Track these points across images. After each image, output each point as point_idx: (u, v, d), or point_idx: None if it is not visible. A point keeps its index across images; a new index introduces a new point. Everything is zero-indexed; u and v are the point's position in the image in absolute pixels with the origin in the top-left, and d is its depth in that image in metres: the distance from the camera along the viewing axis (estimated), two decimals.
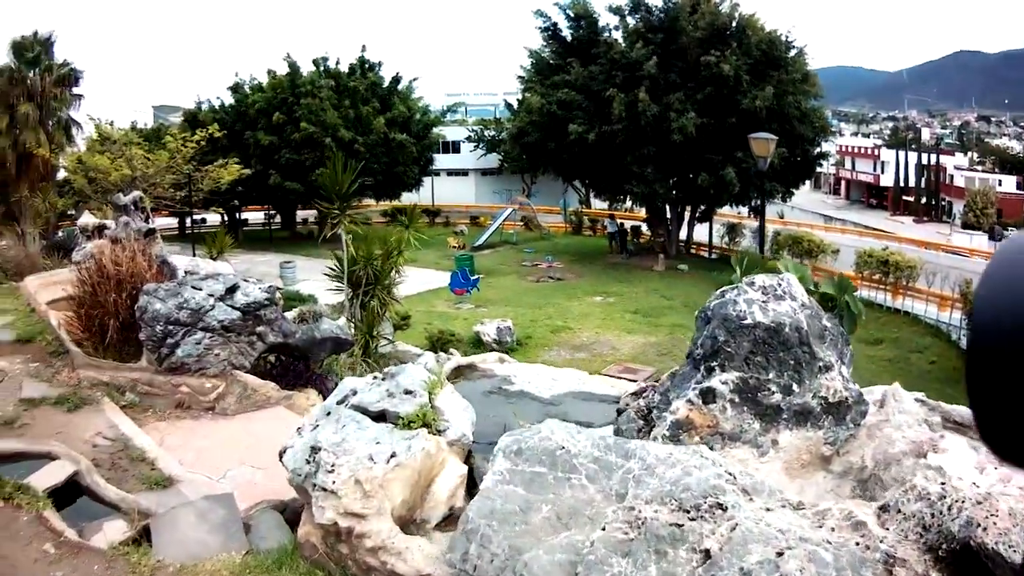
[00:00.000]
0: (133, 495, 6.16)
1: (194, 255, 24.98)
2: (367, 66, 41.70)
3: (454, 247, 35.75)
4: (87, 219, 17.20)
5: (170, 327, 8.50)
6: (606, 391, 8.13)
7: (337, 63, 41.40)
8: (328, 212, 13.23)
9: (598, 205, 46.08)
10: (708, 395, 5.04)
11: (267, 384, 8.67)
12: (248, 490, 6.59)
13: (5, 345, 9.97)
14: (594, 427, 5.95)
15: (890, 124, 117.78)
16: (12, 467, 6.16)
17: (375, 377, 5.75)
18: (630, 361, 17.40)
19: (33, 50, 31.43)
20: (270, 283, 29.29)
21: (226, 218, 42.68)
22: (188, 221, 35.53)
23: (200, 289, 8.87)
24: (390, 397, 5.37)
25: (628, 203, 41.89)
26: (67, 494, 6.00)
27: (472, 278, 25.17)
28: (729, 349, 5.16)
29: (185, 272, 10.84)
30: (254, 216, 46.22)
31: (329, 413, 5.43)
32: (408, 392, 5.40)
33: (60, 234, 21.16)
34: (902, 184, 66.07)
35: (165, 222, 36.31)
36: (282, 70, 40.46)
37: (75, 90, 33.03)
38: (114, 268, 9.26)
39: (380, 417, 5.26)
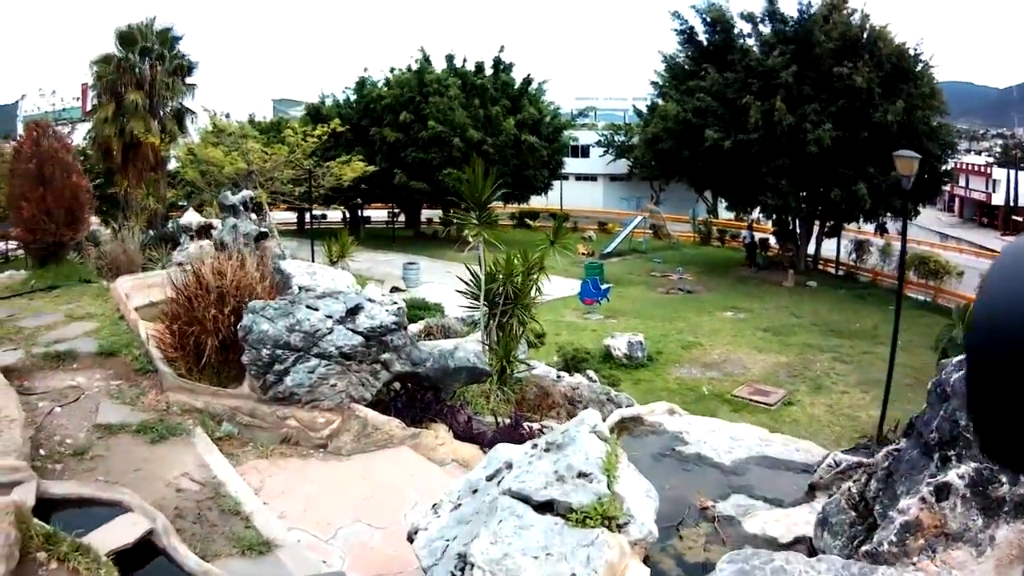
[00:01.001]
0: (220, 565, 5.63)
1: (312, 256, 25.98)
2: (500, 67, 45.49)
3: (583, 254, 37.87)
4: (191, 217, 17.56)
5: (279, 351, 8.15)
6: (790, 456, 7.79)
7: (464, 62, 45.24)
8: (465, 222, 12.93)
9: (724, 216, 49.36)
10: (943, 491, 4.82)
11: (390, 422, 8.31)
12: (363, 557, 6.19)
13: (85, 357, 9.72)
14: (785, 505, 5.90)
15: (999, 141, 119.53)
16: (74, 515, 5.64)
17: (535, 446, 5.15)
18: (760, 382, 19.22)
19: (145, 39, 34.56)
20: (392, 284, 30.16)
21: (348, 215, 47.19)
22: (307, 217, 38.96)
23: (316, 309, 8.53)
24: (559, 482, 4.59)
25: (755, 214, 44.61)
26: (138, 556, 5.53)
27: (602, 287, 26.99)
28: (968, 435, 4.86)
29: (299, 288, 10.61)
30: (377, 214, 50.59)
31: (476, 491, 4.88)
32: (582, 475, 4.68)
33: (169, 226, 22.23)
34: (1012, 203, 69.89)
35: (283, 216, 39.63)
36: (415, 64, 44.49)
37: (188, 80, 36.34)
38: (216, 279, 9.00)
39: (545, 506, 4.58)
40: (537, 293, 13.05)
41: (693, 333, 24.24)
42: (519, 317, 12.41)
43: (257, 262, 10.04)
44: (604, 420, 6.55)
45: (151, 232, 25.96)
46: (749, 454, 7.50)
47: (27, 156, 15.34)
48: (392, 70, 45.87)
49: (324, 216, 45.02)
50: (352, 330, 8.50)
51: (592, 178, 58.98)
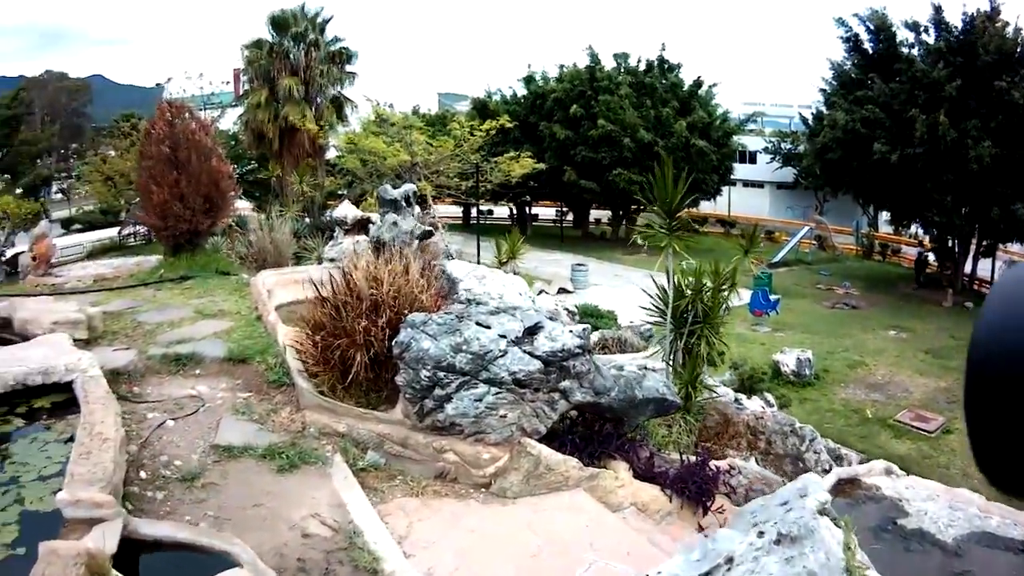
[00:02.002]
0: None
1: (478, 254, 26.36)
2: (666, 66, 48.36)
3: (752, 262, 37.65)
4: (347, 210, 17.29)
5: (441, 374, 7.54)
6: (1009, 532, 7.47)
7: (639, 61, 48.28)
8: (650, 232, 12.66)
9: (883, 229, 52.20)
10: None
11: (567, 462, 7.72)
12: None
13: (211, 362, 9.32)
14: None
15: None
16: (167, 564, 5.08)
17: (760, 534, 4.72)
18: (921, 407, 20.53)
19: (298, 24, 36.97)
20: (559, 285, 30.88)
21: (515, 212, 50.48)
22: (474, 212, 42.15)
23: (488, 327, 7.91)
24: None
25: (912, 230, 46.71)
26: None
27: (772, 299, 29.11)
28: None
29: (466, 294, 10.00)
30: (544, 212, 54.13)
31: None
32: None
33: (327, 215, 22.96)
34: None
35: (448, 210, 42.15)
36: (580, 62, 47.97)
37: (348, 68, 38.79)
38: (370, 286, 8.48)
39: None
40: (726, 312, 12.86)
41: (858, 351, 25.48)
42: (707, 338, 12.03)
43: (421, 267, 9.37)
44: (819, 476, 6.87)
45: (306, 220, 26.82)
46: (970, 529, 7.33)
47: (159, 138, 15.46)
48: (561, 67, 49.25)
49: (491, 212, 48.57)
50: (529, 353, 7.83)
51: (759, 185, 61.77)
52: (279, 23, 37.98)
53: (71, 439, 6.31)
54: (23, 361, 7.67)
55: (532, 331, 8.02)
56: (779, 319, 29.11)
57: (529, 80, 50.41)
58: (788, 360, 22.08)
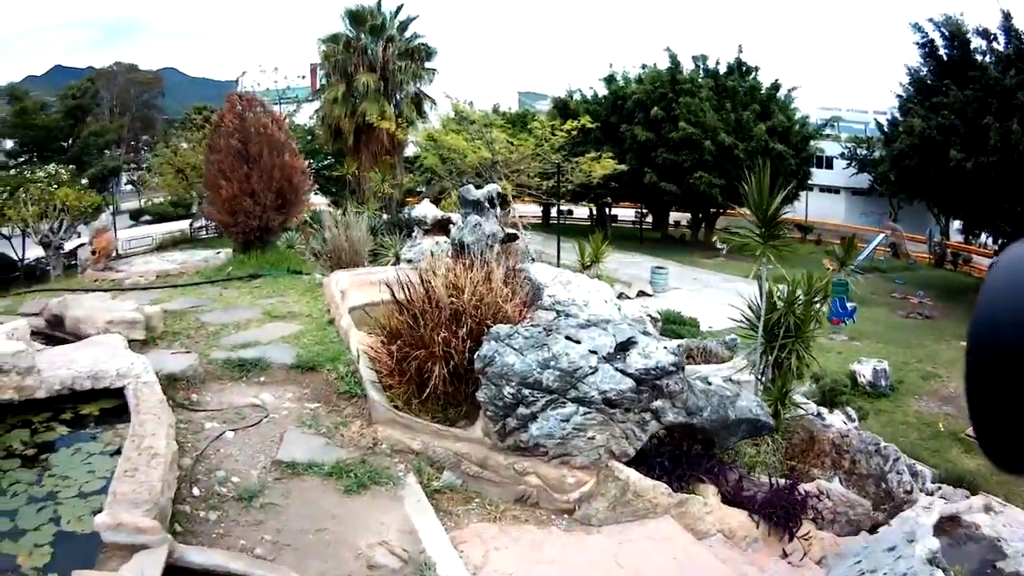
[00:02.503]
0: None
1: (558, 255, 26.60)
2: (744, 69, 49.57)
3: (829, 269, 38.72)
4: (426, 209, 16.90)
5: (526, 391, 7.08)
6: None
7: (717, 63, 49.55)
8: (747, 241, 12.22)
9: (955, 238, 52.87)
10: None
11: (656, 487, 7.34)
12: None
13: (277, 369, 8.85)
14: None
15: None
16: None
17: None
18: None
19: (375, 19, 37.79)
20: (639, 288, 31.52)
21: (595, 213, 52.33)
22: (554, 212, 43.71)
23: (579, 342, 7.47)
24: None
25: (982, 239, 48.04)
26: None
27: (849, 307, 28.74)
28: None
29: (557, 311, 9.47)
30: (623, 213, 55.63)
31: None
32: None
33: (405, 212, 23.23)
34: None
35: (527, 209, 43.24)
36: (659, 62, 49.91)
37: (428, 65, 40.01)
38: (450, 293, 7.98)
39: None
40: (817, 325, 12.68)
41: (931, 362, 25.78)
42: (798, 352, 11.83)
43: (505, 274, 8.82)
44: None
45: (384, 217, 26.89)
46: None
47: (229, 130, 15.25)
48: (642, 66, 51.13)
49: (570, 212, 49.92)
50: (621, 371, 7.40)
51: (835, 191, 63.01)
52: (356, 17, 38.67)
53: (118, 452, 5.87)
54: (72, 363, 7.29)
55: (624, 347, 7.56)
56: (855, 328, 29.31)
57: (610, 80, 51.83)
58: (865, 371, 22.55)
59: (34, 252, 33.85)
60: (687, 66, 49.46)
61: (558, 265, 21.78)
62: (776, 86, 49.60)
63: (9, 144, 55.28)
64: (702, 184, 44.06)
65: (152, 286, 14.27)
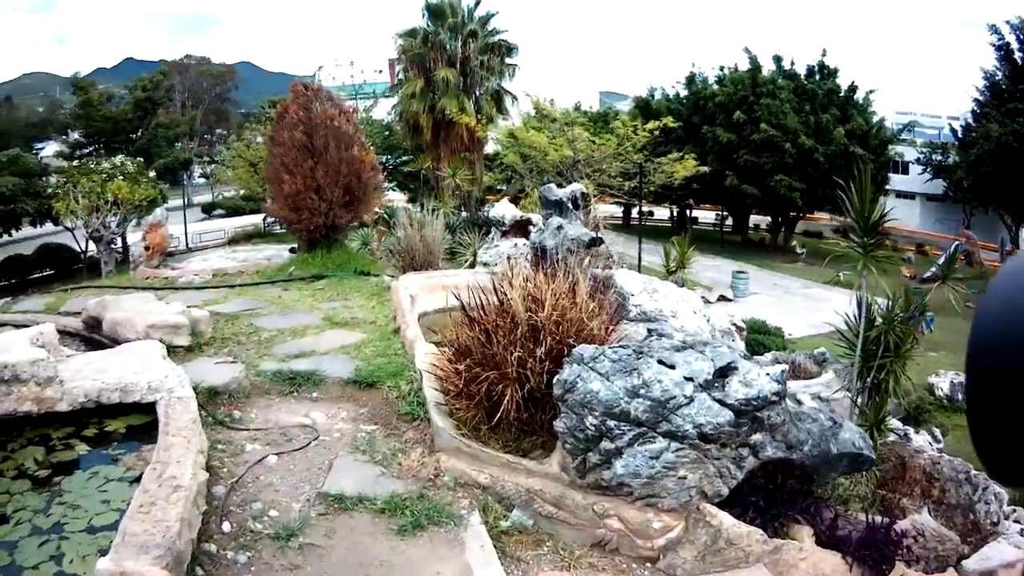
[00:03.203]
0: None
1: (639, 259, 26.34)
2: (825, 71, 50.39)
3: (906, 277, 40.62)
4: (505, 209, 16.27)
5: (611, 423, 6.35)
6: None
7: (792, 64, 50.52)
8: (846, 250, 11.83)
9: None
10: None
11: (750, 535, 6.58)
12: None
13: (332, 384, 8.22)
14: None
15: None
16: None
17: None
18: None
19: (455, 15, 39.21)
20: (719, 292, 31.75)
21: (676, 214, 54.13)
22: (634, 212, 45.17)
23: (672, 367, 6.66)
24: None
25: None
26: None
27: (927, 316, 28.51)
28: None
29: (649, 331, 8.66)
30: (703, 215, 56.69)
31: None
32: None
33: (484, 211, 23.28)
34: None
35: (607, 210, 43.31)
36: (739, 63, 51.06)
37: (508, 61, 40.65)
38: (528, 307, 7.21)
39: None
40: (915, 343, 12.08)
41: None
42: (896, 373, 11.30)
43: (591, 285, 8.04)
44: None
45: (463, 215, 26.58)
46: None
47: (293, 122, 14.84)
48: (721, 68, 51.99)
49: (651, 213, 51.17)
50: (719, 401, 6.63)
51: (910, 196, 63.27)
52: (436, 11, 39.17)
53: (139, 479, 5.30)
54: (100, 373, 6.76)
55: (724, 373, 6.76)
56: (932, 338, 28.50)
57: (691, 80, 52.85)
58: (942, 383, 22.76)
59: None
60: (766, 67, 50.44)
61: (639, 269, 21.40)
62: (853, 88, 50.01)
63: (74, 136, 56.23)
64: (782, 187, 44.55)
65: (207, 285, 13.85)
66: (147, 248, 16.15)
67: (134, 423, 6.54)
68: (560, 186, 13.59)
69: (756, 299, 32.50)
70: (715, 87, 50.05)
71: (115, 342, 8.50)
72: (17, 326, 10.84)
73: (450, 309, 9.42)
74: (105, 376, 6.71)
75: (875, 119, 51.73)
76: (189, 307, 10.29)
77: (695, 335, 8.80)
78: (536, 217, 13.90)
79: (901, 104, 71.63)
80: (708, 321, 11.49)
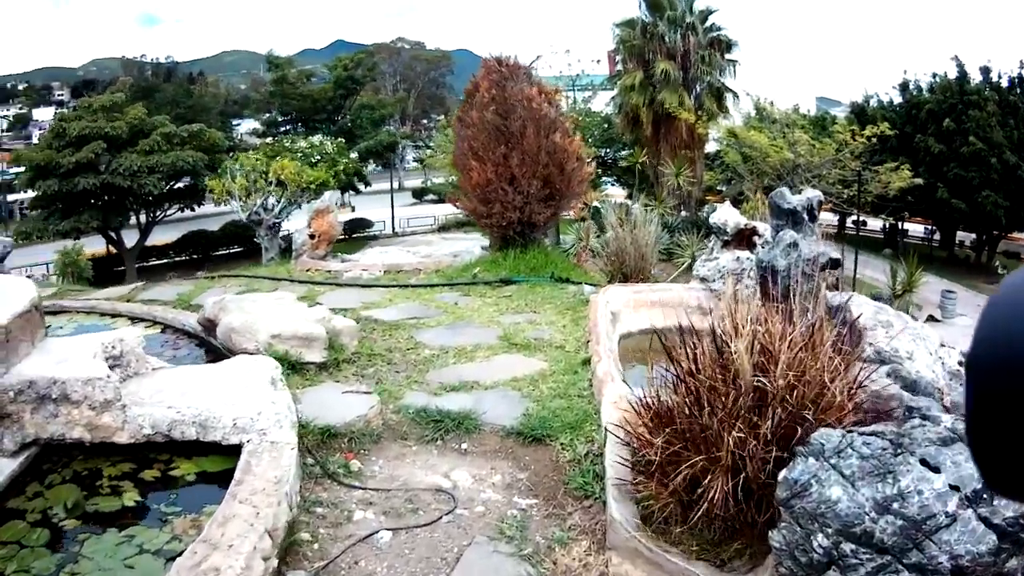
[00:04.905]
0: None
1: (855, 277, 25.91)
2: None
3: None
4: (727, 214, 14.49)
5: (846, 547, 4.44)
6: None
7: (999, 76, 49.74)
8: None
9: None
10: None
11: None
12: None
13: (491, 433, 6.62)
14: None
15: None
16: None
17: None
18: None
19: (673, 7, 39.47)
20: (928, 312, 28.78)
21: (887, 226, 55.53)
22: (848, 222, 46.28)
23: (937, 470, 4.70)
24: None
25: None
26: None
27: None
28: None
29: (910, 410, 6.53)
30: (912, 228, 57.66)
31: None
32: None
33: (703, 212, 23.98)
34: None
35: (824, 217, 43.18)
36: (950, 73, 50.73)
37: (728, 56, 40.89)
38: (756, 363, 5.25)
39: None
40: None
41: None
42: None
43: (837, 334, 5.89)
44: None
45: (681, 215, 25.54)
46: None
47: (484, 101, 13.82)
48: (933, 75, 51.60)
49: (864, 223, 49.99)
50: (985, 520, 4.66)
51: None
52: (654, 3, 39.70)
53: (176, 557, 4.00)
54: (181, 397, 5.58)
55: None
56: None
57: (904, 87, 52.52)
58: None
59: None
60: (974, 77, 49.79)
61: (853, 285, 19.92)
62: None
63: (273, 114, 57.75)
64: (988, 203, 43.77)
65: (374, 284, 12.69)
66: (312, 236, 15.17)
67: (209, 468, 5.30)
68: (794, 191, 11.70)
69: (962, 320, 31.42)
70: (926, 94, 50.13)
71: (230, 352, 7.27)
72: (133, 319, 10.09)
73: (659, 331, 7.74)
74: (185, 403, 5.46)
75: None
76: (334, 311, 9.02)
77: (931, 382, 6.78)
78: (762, 226, 12.08)
79: None
80: (943, 365, 9.58)
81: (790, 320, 5.63)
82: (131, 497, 5.05)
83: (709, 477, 4.93)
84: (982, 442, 1.04)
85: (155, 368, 6.36)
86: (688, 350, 5.47)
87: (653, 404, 5.51)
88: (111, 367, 5.88)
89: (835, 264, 10.70)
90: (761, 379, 5.03)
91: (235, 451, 5.15)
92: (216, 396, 5.60)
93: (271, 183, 27.83)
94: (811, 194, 11.54)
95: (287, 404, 5.64)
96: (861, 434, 4.89)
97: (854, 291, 10.91)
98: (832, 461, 4.63)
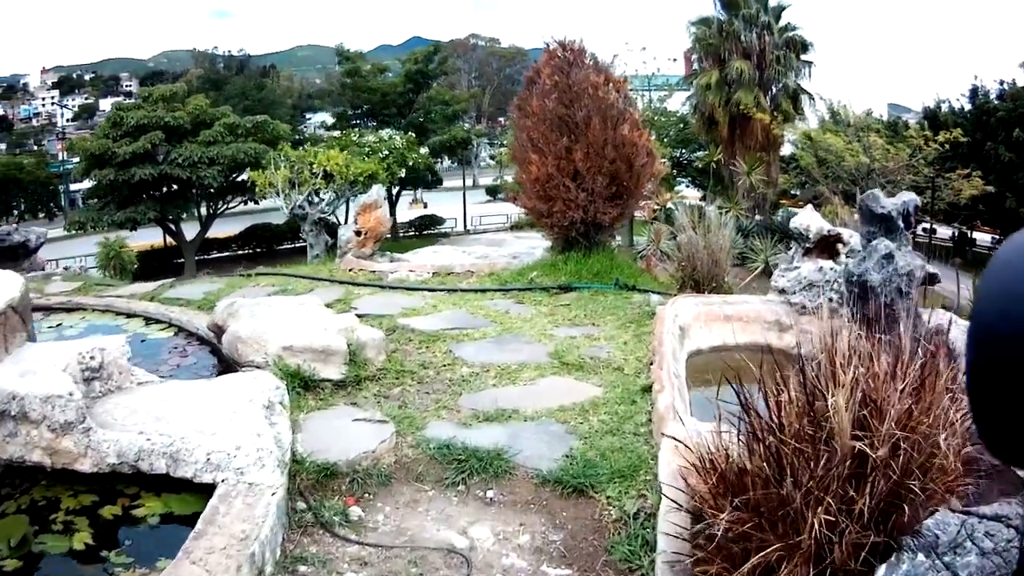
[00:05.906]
0: None
1: (925, 292, 23.45)
2: None
3: None
4: (809, 219, 13.51)
5: None
6: None
7: None
8: None
9: None
10: None
11: None
12: None
13: (523, 479, 5.60)
14: None
15: None
16: None
17: None
18: None
19: (749, 6, 40.42)
20: None
21: (956, 235, 54.35)
22: (918, 229, 45.03)
23: None
24: None
25: None
26: None
27: None
28: None
29: None
30: (981, 237, 56.88)
31: None
32: None
33: (779, 216, 21.01)
34: None
35: None
36: (1019, 80, 50.78)
37: (803, 57, 42.14)
38: (857, 416, 4.07)
39: None
40: None
41: None
42: None
43: (950, 374, 4.56)
44: None
45: (756, 218, 24.99)
46: None
47: (545, 89, 13.21)
48: (1001, 83, 51.67)
49: (934, 231, 50.02)
50: None
51: None
52: (729, 1, 40.92)
53: None
54: (156, 422, 4.87)
55: None
56: None
57: (975, 93, 52.68)
58: None
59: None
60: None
61: (924, 299, 19.05)
62: None
63: (339, 109, 58.08)
64: None
65: (420, 287, 11.86)
66: (358, 233, 14.43)
67: (177, 510, 4.60)
68: (889, 193, 10.67)
69: None
70: (996, 102, 50.12)
71: (236, 364, 6.45)
72: (148, 320, 9.59)
73: (734, 348, 7.23)
74: (158, 429, 4.70)
75: None
76: (368, 318, 8.19)
77: None
78: (847, 233, 11.01)
79: None
80: None
81: (897, 356, 4.50)
82: (82, 539, 4.43)
83: (785, 567, 3.87)
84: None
85: (140, 383, 5.60)
86: (772, 398, 4.35)
87: (720, 463, 4.43)
88: (88, 380, 5.19)
89: (932, 280, 9.65)
90: (862, 442, 3.95)
91: (210, 490, 4.38)
92: (195, 422, 4.84)
93: (316, 175, 26.98)
94: (907, 197, 10.38)
95: (276, 436, 4.81)
96: (982, 518, 3.87)
97: (924, 303, 9.81)
98: (947, 559, 3.60)
